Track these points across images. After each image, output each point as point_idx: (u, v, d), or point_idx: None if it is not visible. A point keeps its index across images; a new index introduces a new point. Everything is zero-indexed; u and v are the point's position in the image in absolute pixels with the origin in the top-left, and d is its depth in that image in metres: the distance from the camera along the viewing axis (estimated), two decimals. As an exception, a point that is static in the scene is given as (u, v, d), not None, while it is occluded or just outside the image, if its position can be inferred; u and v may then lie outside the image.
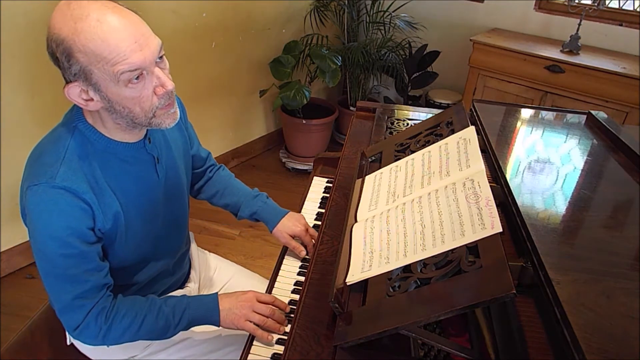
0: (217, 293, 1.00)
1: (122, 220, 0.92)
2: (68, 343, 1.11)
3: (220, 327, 1.00)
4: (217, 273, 1.31)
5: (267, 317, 0.96)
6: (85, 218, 0.85)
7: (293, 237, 1.18)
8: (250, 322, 0.95)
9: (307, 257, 1.17)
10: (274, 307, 0.98)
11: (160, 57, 0.83)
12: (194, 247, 1.29)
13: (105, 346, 1.06)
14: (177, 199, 1.08)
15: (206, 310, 0.97)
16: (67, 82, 0.80)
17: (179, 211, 1.10)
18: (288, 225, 1.19)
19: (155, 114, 0.85)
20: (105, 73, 0.77)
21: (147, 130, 0.95)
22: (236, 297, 0.99)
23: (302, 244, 1.18)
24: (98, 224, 0.87)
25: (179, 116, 0.90)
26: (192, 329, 1.02)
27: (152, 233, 1.02)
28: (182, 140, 1.09)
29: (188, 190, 1.15)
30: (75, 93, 0.80)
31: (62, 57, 0.77)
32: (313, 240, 1.18)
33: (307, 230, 1.19)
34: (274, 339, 0.95)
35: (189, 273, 1.24)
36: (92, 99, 0.81)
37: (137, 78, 0.79)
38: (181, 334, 1.07)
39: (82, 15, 0.74)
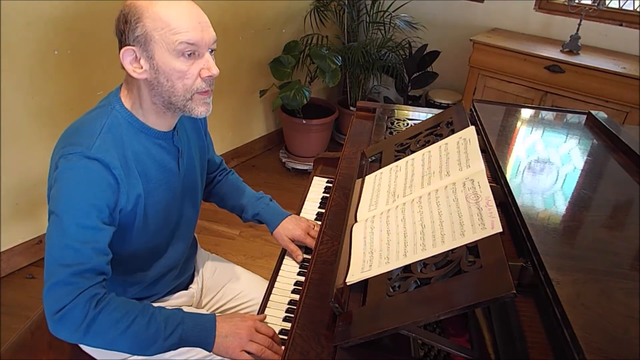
0: (214, 314, 0.95)
1: (142, 205, 0.94)
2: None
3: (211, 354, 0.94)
4: (217, 274, 1.31)
5: (265, 347, 0.93)
6: (110, 194, 0.87)
7: (293, 240, 1.19)
8: (246, 352, 0.92)
9: (307, 257, 1.18)
10: (273, 335, 0.95)
11: (212, 51, 0.91)
12: (200, 250, 1.31)
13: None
14: (192, 197, 1.11)
15: (202, 330, 0.92)
16: (124, 45, 0.87)
17: (192, 210, 1.13)
18: (288, 227, 1.20)
19: (192, 97, 0.91)
20: (165, 40, 0.85)
21: (176, 124, 1.01)
22: (234, 323, 0.94)
23: (305, 246, 1.19)
24: (121, 203, 0.90)
25: (211, 109, 0.95)
26: None
27: (166, 226, 1.04)
28: (200, 144, 1.13)
29: (202, 193, 1.18)
30: (128, 58, 0.87)
31: (131, 19, 0.85)
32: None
33: (308, 233, 1.19)
34: None
35: (193, 275, 1.26)
36: (141, 67, 0.88)
37: (190, 55, 0.87)
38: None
39: None
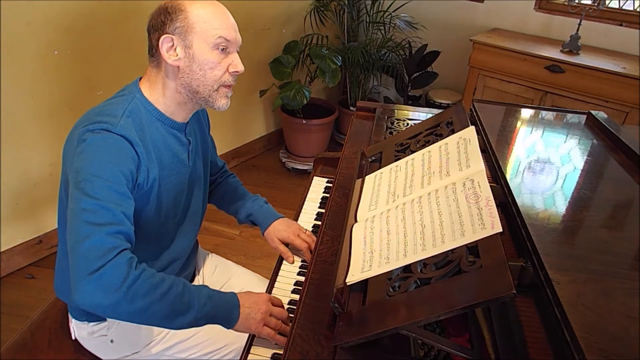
0: (234, 292, 0.96)
1: (156, 190, 0.98)
2: (73, 337, 1.12)
3: (230, 330, 0.94)
4: (217, 273, 1.31)
5: (283, 320, 0.96)
6: (133, 167, 0.91)
7: (283, 241, 1.20)
8: (267, 326, 0.94)
9: (304, 259, 1.18)
10: (286, 312, 0.99)
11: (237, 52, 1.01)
12: (200, 250, 1.32)
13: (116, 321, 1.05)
14: (198, 192, 1.15)
15: (227, 304, 0.92)
16: (163, 34, 0.93)
17: (197, 206, 1.16)
18: (279, 229, 1.21)
19: (218, 88, 0.98)
20: (204, 32, 0.93)
21: (189, 119, 1.06)
22: (253, 300, 0.95)
23: (297, 249, 1.19)
24: (140, 178, 0.93)
25: (229, 104, 1.02)
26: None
27: (174, 216, 1.08)
28: (203, 144, 1.17)
29: (207, 190, 1.21)
30: (166, 45, 0.94)
31: (173, 11, 0.93)
32: (308, 244, 1.18)
33: (298, 235, 1.19)
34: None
35: (194, 274, 1.27)
36: (176, 54, 0.94)
37: (223, 50, 0.96)
38: (182, 332, 1.08)
39: None
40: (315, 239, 1.20)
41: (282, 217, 1.25)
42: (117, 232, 0.82)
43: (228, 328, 0.93)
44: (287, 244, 1.20)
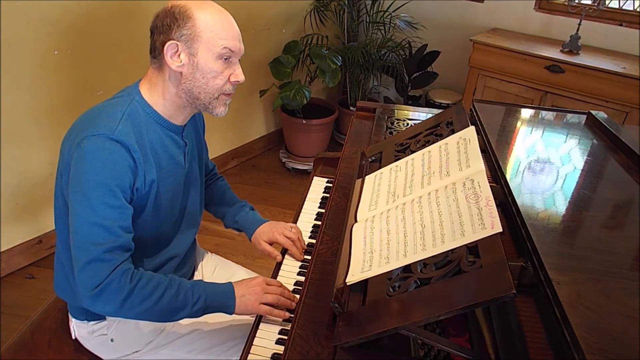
0: (231, 282, 1.02)
1: (154, 192, 0.99)
2: (73, 337, 1.12)
3: (232, 316, 1.01)
4: (217, 272, 1.31)
5: (279, 295, 0.99)
6: (130, 175, 0.92)
7: (270, 242, 1.21)
8: (264, 304, 0.97)
9: (307, 257, 1.17)
10: (282, 287, 1.02)
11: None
12: (198, 249, 1.33)
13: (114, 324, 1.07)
14: (194, 193, 1.15)
15: (223, 294, 0.99)
16: (169, 39, 0.93)
17: (194, 207, 1.16)
18: (263, 231, 1.23)
19: (219, 96, 0.99)
20: (210, 42, 0.93)
21: (186, 123, 1.07)
22: (246, 284, 1.01)
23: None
24: (138, 183, 0.94)
25: (226, 112, 1.03)
26: (195, 322, 1.01)
27: (172, 217, 1.09)
28: (198, 146, 1.18)
29: (203, 192, 1.21)
30: (171, 51, 0.93)
31: (180, 17, 0.92)
32: (292, 241, 1.18)
33: (282, 234, 1.19)
34: (288, 316, 0.97)
35: (193, 273, 1.27)
36: (180, 61, 0.94)
37: (226, 60, 0.96)
38: (183, 329, 1.08)
39: (205, 3, 0.95)
40: (301, 233, 1.20)
41: (266, 221, 1.26)
42: (114, 248, 0.89)
43: (230, 314, 0.99)
44: (284, 250, 1.19)
